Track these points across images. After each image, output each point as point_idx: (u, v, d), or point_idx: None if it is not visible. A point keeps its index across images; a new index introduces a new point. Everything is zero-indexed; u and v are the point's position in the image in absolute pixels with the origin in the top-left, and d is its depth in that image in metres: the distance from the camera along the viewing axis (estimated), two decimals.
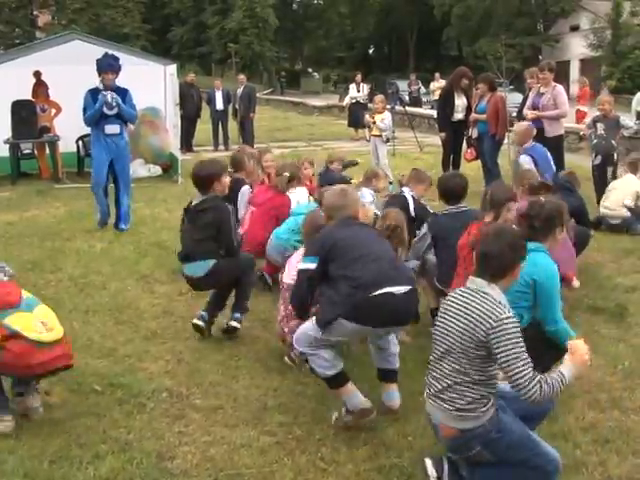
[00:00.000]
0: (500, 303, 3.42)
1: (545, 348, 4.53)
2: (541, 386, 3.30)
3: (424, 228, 6.08)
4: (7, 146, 13.09)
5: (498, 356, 3.33)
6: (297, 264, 4.82)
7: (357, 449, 4.12)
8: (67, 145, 13.51)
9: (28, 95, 13.02)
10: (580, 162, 12.72)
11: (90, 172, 10.37)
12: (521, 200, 5.92)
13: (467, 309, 3.46)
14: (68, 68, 11.99)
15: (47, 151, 13.47)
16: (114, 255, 8.30)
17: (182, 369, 5.20)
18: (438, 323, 3.62)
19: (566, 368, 3.43)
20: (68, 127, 12.91)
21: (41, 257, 8.21)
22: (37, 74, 12.97)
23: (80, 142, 13.69)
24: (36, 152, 13.62)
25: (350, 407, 4.31)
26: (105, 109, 9.25)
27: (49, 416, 4.44)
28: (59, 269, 7.74)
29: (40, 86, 13.12)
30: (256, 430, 4.34)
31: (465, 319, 3.44)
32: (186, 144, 17.16)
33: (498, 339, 3.31)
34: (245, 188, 7.39)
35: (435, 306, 5.77)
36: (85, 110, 9.35)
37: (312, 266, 4.33)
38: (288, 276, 5.31)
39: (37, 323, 4.26)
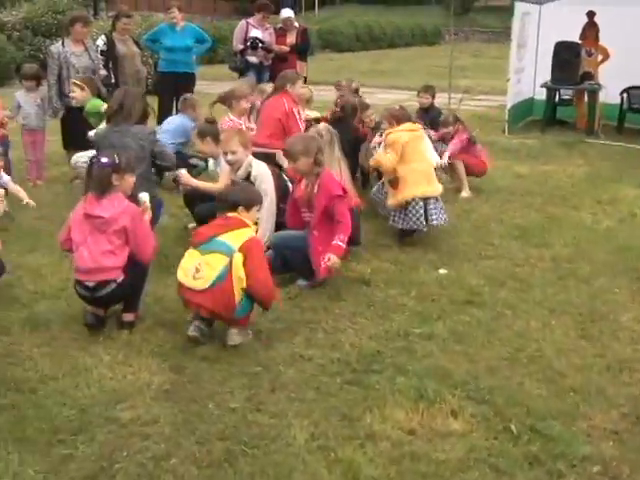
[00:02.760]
0: None
1: None
2: None
3: None
4: (544, 90, 12.23)
5: None
6: None
7: None
8: (609, 96, 12.05)
9: (575, 36, 11.84)
10: None
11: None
12: None
13: None
14: (622, 10, 10.52)
15: (586, 99, 12.23)
16: (617, 239, 6.87)
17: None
18: None
19: None
20: (613, 75, 11.62)
21: (534, 225, 7.25)
22: (590, 14, 11.68)
23: (625, 94, 12.14)
24: (574, 99, 12.50)
25: None
26: None
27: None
28: (546, 244, 6.66)
29: (591, 28, 11.84)
30: None
31: None
32: None
33: None
34: None
35: None
36: None
37: None
38: None
39: (192, 267, 4.46)
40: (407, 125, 6.66)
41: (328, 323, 4.89)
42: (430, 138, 7.58)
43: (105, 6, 31.54)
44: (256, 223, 4.96)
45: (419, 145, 6.65)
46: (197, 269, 4.45)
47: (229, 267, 4.40)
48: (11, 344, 4.54)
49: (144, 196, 5.16)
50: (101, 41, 9.29)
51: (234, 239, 4.49)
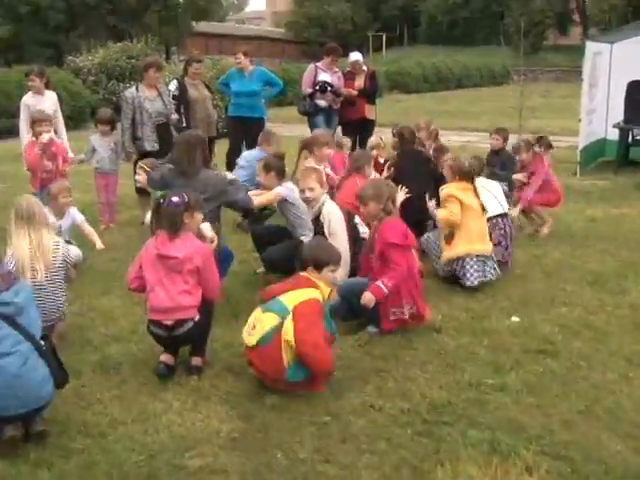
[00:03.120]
0: None
1: None
2: None
3: None
4: (617, 130, 12.00)
5: None
6: None
7: None
8: None
9: None
10: None
11: None
12: None
13: None
14: None
15: None
16: None
17: None
18: None
19: None
20: None
21: (608, 270, 7.02)
22: None
23: None
24: None
25: None
26: None
27: None
28: (621, 291, 6.45)
29: None
30: None
31: None
32: None
33: None
34: None
35: None
36: None
37: None
38: None
39: (250, 323, 4.54)
40: (463, 184, 6.54)
41: (399, 371, 4.81)
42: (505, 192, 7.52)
43: (176, 50, 32.40)
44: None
45: (474, 201, 6.53)
46: (253, 325, 4.48)
47: (278, 328, 4.36)
48: (82, 387, 4.59)
49: (206, 227, 5.21)
50: (173, 86, 9.50)
51: (292, 299, 4.44)
